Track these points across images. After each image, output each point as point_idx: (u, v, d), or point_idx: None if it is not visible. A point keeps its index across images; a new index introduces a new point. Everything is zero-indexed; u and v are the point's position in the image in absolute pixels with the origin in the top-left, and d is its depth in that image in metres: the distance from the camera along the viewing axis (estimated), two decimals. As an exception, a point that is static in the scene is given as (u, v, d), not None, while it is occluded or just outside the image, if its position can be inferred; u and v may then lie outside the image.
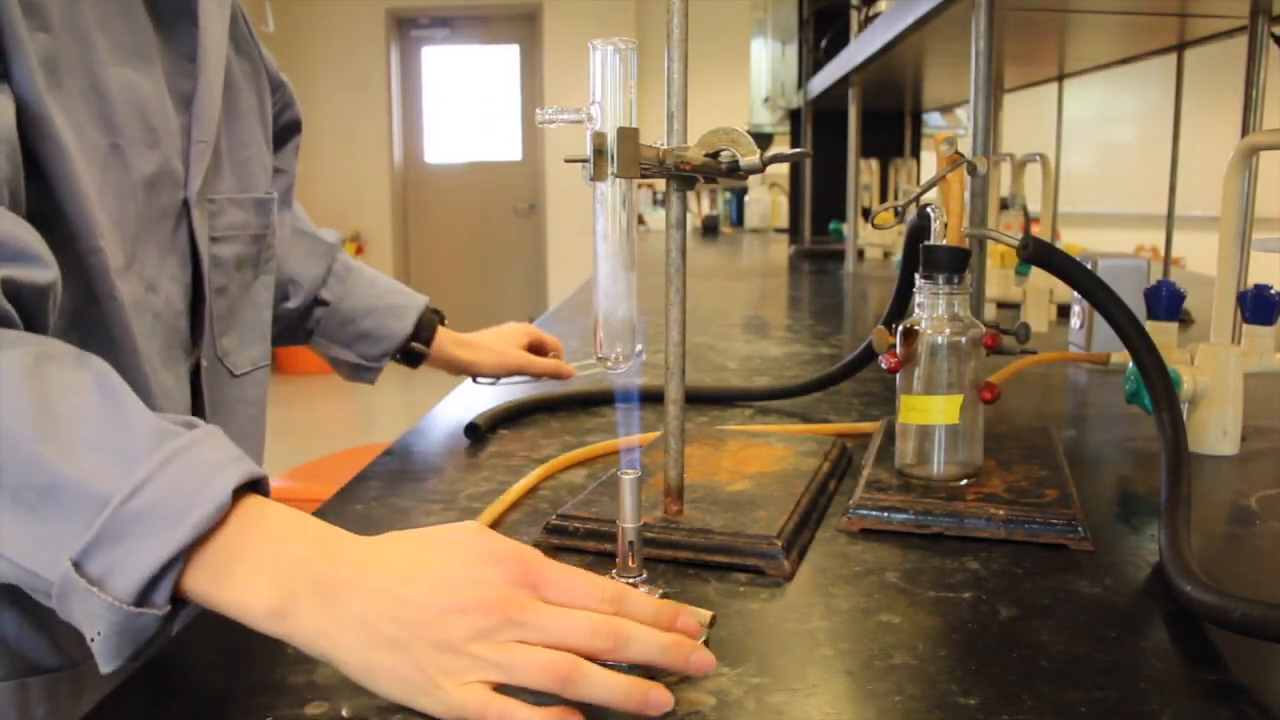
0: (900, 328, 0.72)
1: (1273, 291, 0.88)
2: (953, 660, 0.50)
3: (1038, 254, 0.70)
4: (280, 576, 0.46)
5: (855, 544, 0.67)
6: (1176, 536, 0.59)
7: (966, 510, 0.67)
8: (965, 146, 0.88)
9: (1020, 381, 1.15)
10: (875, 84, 2.26)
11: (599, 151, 0.54)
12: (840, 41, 2.42)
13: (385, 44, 6.55)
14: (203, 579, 0.46)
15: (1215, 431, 0.87)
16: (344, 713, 0.46)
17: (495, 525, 0.70)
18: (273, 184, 0.93)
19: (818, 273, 2.46)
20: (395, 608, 0.45)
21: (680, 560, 0.62)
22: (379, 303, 1.04)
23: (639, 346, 0.59)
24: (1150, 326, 0.93)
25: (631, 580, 0.52)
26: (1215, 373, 0.87)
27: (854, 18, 2.29)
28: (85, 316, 0.63)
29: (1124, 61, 1.78)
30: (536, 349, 1.13)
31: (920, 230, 0.77)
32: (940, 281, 0.71)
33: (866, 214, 2.59)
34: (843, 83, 2.22)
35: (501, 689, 0.44)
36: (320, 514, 0.72)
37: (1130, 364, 0.82)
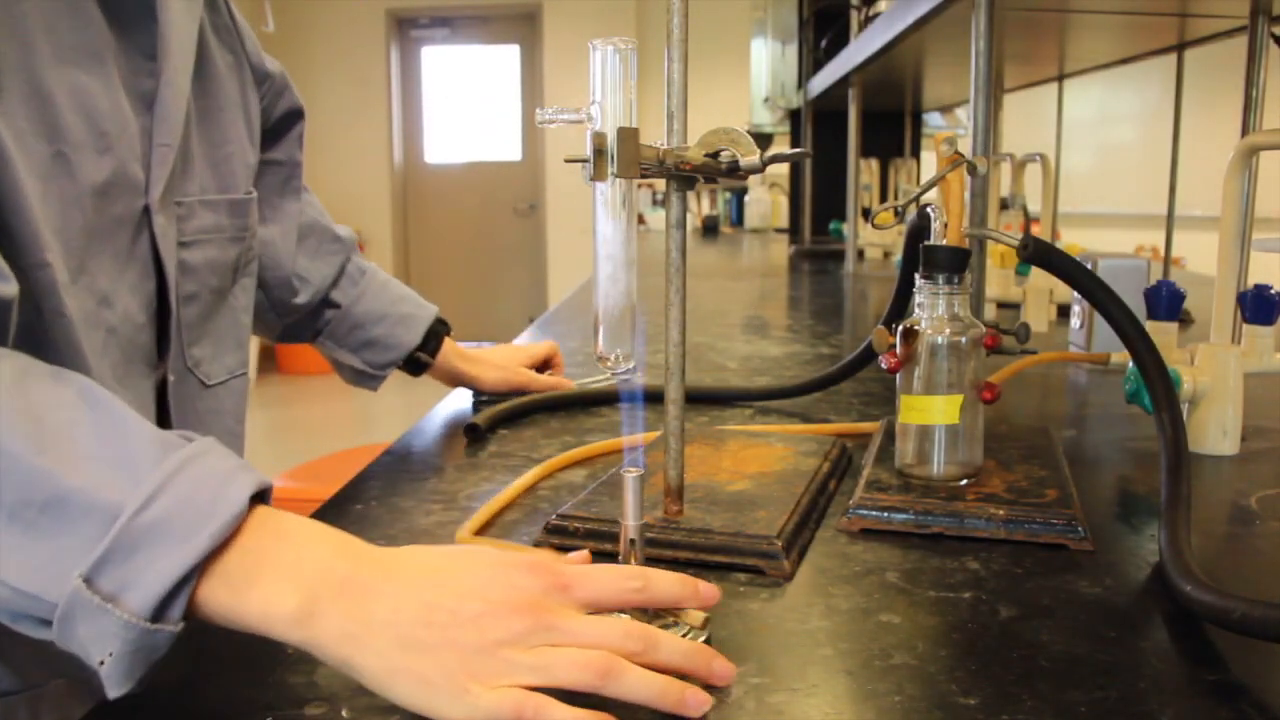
0: (900, 328, 0.72)
1: (1273, 291, 0.88)
2: (953, 660, 0.50)
3: (1038, 254, 0.70)
4: (303, 582, 0.45)
5: (855, 544, 0.67)
6: (1176, 536, 0.59)
7: (966, 510, 0.67)
8: (965, 146, 0.88)
9: (1020, 381, 1.15)
10: (875, 84, 2.26)
11: (599, 151, 0.54)
12: (840, 41, 2.42)
13: (385, 44, 6.55)
14: (220, 590, 0.45)
15: (1215, 431, 0.87)
16: (344, 714, 0.46)
17: (489, 525, 0.70)
18: (271, 175, 0.90)
19: (818, 273, 2.46)
20: (427, 611, 0.44)
21: (680, 560, 0.62)
22: (391, 310, 1.02)
23: (631, 364, 0.59)
24: (1150, 326, 0.93)
25: None
26: (1215, 373, 0.87)
27: (854, 18, 2.30)
28: (31, 335, 0.59)
29: (1124, 61, 1.78)
30: (541, 366, 1.13)
31: (920, 230, 0.77)
32: (940, 281, 0.71)
33: (866, 214, 2.59)
34: (843, 83, 2.22)
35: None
36: (320, 514, 0.72)
37: (1130, 364, 0.82)
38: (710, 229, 4.15)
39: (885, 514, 0.69)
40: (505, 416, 0.97)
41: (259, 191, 0.85)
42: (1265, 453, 0.88)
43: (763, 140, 2.68)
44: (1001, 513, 0.67)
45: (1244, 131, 1.20)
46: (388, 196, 6.68)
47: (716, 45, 4.96)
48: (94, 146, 0.63)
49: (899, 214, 0.76)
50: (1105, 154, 5.95)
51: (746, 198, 4.13)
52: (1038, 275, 1.54)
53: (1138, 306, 0.79)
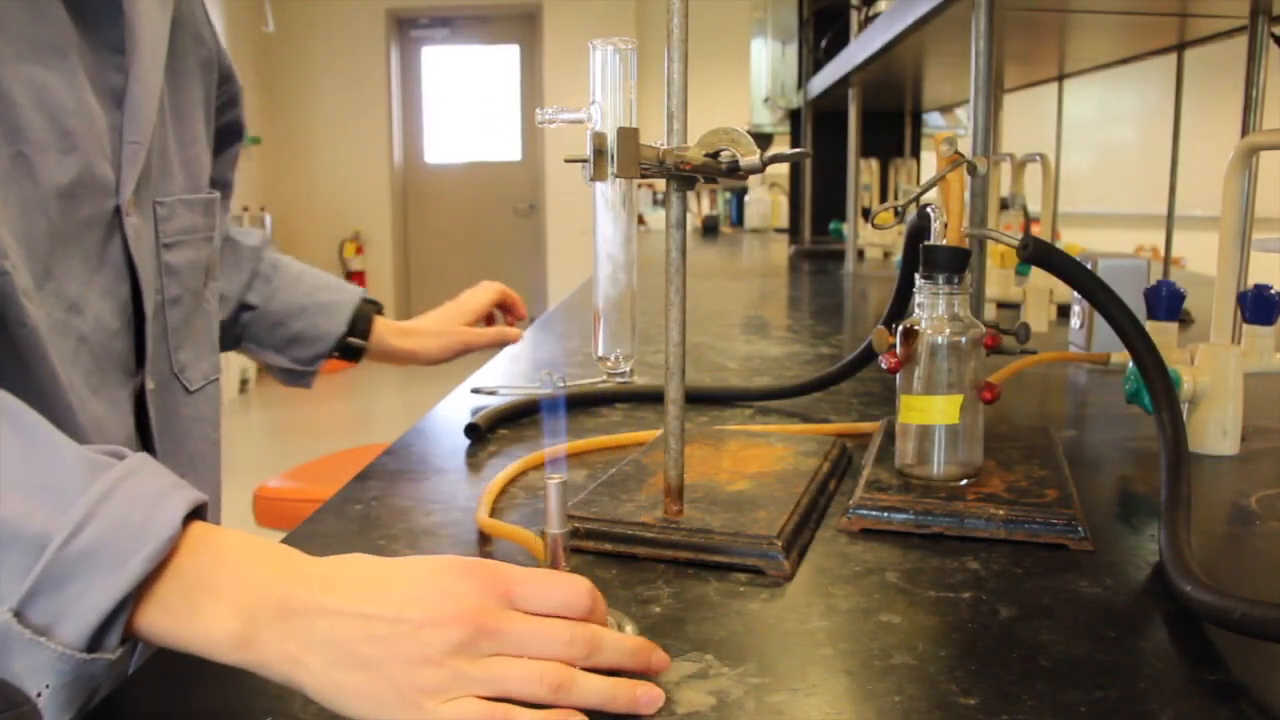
0: (900, 328, 0.72)
1: (1273, 291, 0.88)
2: (953, 660, 0.50)
3: (1038, 254, 0.70)
4: (241, 604, 0.44)
5: (855, 544, 0.67)
6: (1176, 536, 0.59)
7: (966, 510, 0.67)
8: (965, 146, 0.88)
9: (1020, 381, 1.15)
10: (875, 84, 2.26)
11: (599, 151, 0.54)
12: (840, 41, 2.42)
13: (385, 44, 6.55)
14: (158, 615, 0.44)
15: (1215, 431, 0.87)
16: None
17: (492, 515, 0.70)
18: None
19: (818, 273, 2.46)
20: (365, 625, 0.43)
21: (680, 560, 0.62)
22: (308, 301, 0.98)
23: (630, 365, 0.59)
24: (1150, 326, 0.93)
25: None
26: (1215, 373, 0.87)
27: (854, 18, 2.29)
28: None
29: (1124, 61, 1.78)
30: (500, 311, 1.09)
31: (920, 230, 0.77)
32: (940, 281, 0.71)
33: (866, 214, 2.59)
34: (843, 83, 2.22)
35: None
36: (320, 514, 0.72)
37: (1130, 364, 0.82)
38: (710, 229, 4.15)
39: (885, 514, 0.69)
40: (505, 416, 0.97)
41: None
42: (1265, 453, 0.88)
43: (763, 140, 2.68)
44: (1001, 513, 0.67)
45: (1244, 131, 1.20)
46: (388, 196, 6.68)
47: (716, 45, 4.96)
48: (57, 146, 0.60)
49: (899, 214, 0.76)
50: (1105, 154, 5.95)
51: (746, 198, 4.13)
52: (1038, 275, 1.54)
53: (1138, 306, 0.79)
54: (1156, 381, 0.69)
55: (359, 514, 0.73)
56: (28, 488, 0.44)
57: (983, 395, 0.72)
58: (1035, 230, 1.89)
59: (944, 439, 0.72)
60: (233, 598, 0.44)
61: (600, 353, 0.60)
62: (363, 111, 6.55)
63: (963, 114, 3.23)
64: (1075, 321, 1.28)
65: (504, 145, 6.73)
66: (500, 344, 1.09)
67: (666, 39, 0.59)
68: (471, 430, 0.91)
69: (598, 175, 0.55)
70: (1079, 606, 0.57)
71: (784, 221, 3.72)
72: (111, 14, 0.64)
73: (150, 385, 0.69)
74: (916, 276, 0.73)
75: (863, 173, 2.71)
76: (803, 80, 2.92)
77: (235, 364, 5.15)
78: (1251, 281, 0.92)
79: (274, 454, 4.21)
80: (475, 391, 1.09)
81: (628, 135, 0.54)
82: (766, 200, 4.04)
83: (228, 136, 0.88)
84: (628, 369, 0.61)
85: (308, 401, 5.29)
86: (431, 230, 6.84)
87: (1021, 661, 0.50)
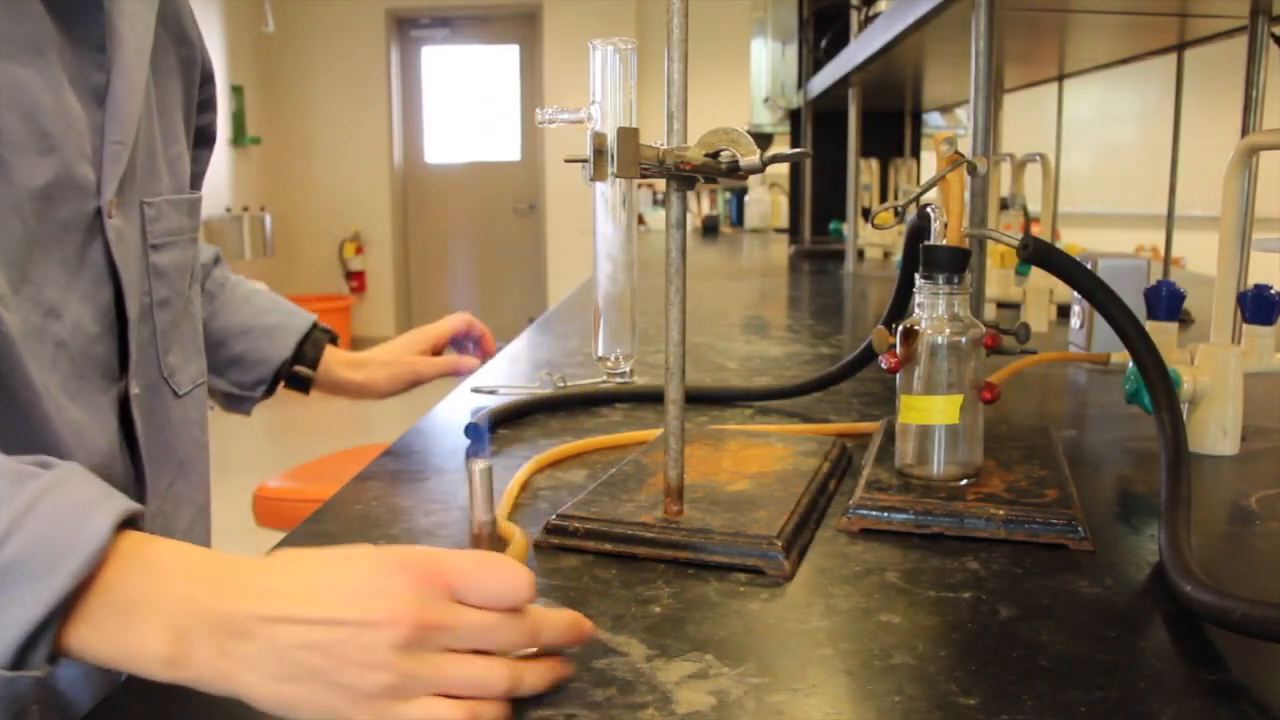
0: (900, 328, 0.72)
1: (1273, 291, 0.88)
2: (953, 660, 0.50)
3: (1038, 254, 0.70)
4: (172, 621, 0.43)
5: (855, 544, 0.67)
6: (1176, 536, 0.59)
7: (966, 510, 0.67)
8: (965, 146, 0.88)
9: (1020, 381, 1.15)
10: (875, 84, 2.26)
11: (599, 151, 0.54)
12: (840, 41, 2.42)
13: (385, 44, 6.55)
14: (87, 632, 0.42)
15: (1215, 431, 0.87)
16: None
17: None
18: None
19: (818, 273, 2.46)
20: (303, 632, 0.42)
21: (680, 560, 0.62)
22: (254, 323, 0.94)
23: (630, 366, 0.59)
24: (1150, 326, 0.93)
25: None
26: (1215, 373, 0.87)
27: (854, 18, 2.29)
28: None
29: (1124, 61, 1.78)
30: (454, 342, 1.06)
31: (920, 230, 0.77)
32: (940, 281, 0.71)
33: (866, 214, 2.59)
34: (843, 83, 2.22)
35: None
36: (320, 514, 0.72)
37: (1130, 364, 0.82)
38: (710, 229, 4.15)
39: (885, 514, 0.69)
40: (505, 416, 0.97)
41: None
42: (1265, 453, 0.88)
43: (763, 140, 2.68)
44: (1001, 513, 0.67)
45: (1244, 131, 1.20)
46: (388, 196, 6.68)
47: (716, 45, 4.96)
48: (34, 147, 0.58)
49: (899, 214, 0.76)
50: (1105, 154, 5.95)
51: (746, 198, 4.13)
52: (1038, 275, 1.54)
53: (1138, 306, 0.79)
54: (1156, 381, 0.69)
55: (359, 514, 0.73)
56: None
57: (983, 395, 0.72)
58: (1035, 230, 1.89)
59: (944, 439, 0.72)
60: (162, 615, 0.43)
61: (600, 353, 0.60)
62: (363, 111, 6.56)
63: (963, 114, 3.23)
64: (1075, 321, 1.28)
65: (504, 145, 6.73)
66: (453, 374, 1.05)
67: (666, 39, 0.59)
68: (472, 430, 0.91)
69: (598, 175, 0.55)
70: (1079, 606, 0.57)
71: (784, 221, 3.72)
72: (92, 11, 0.62)
73: (135, 390, 0.67)
74: (916, 276, 0.73)
75: (863, 173, 2.71)
76: (803, 80, 2.92)
77: (235, 364, 5.14)
78: (1251, 281, 0.92)
79: (274, 454, 4.21)
80: (475, 391, 1.10)
81: (628, 135, 0.54)
82: (766, 200, 4.04)
83: (202, 140, 0.85)
84: (628, 369, 0.61)
85: (308, 401, 5.28)
86: (431, 230, 6.84)
87: (1021, 661, 0.50)
